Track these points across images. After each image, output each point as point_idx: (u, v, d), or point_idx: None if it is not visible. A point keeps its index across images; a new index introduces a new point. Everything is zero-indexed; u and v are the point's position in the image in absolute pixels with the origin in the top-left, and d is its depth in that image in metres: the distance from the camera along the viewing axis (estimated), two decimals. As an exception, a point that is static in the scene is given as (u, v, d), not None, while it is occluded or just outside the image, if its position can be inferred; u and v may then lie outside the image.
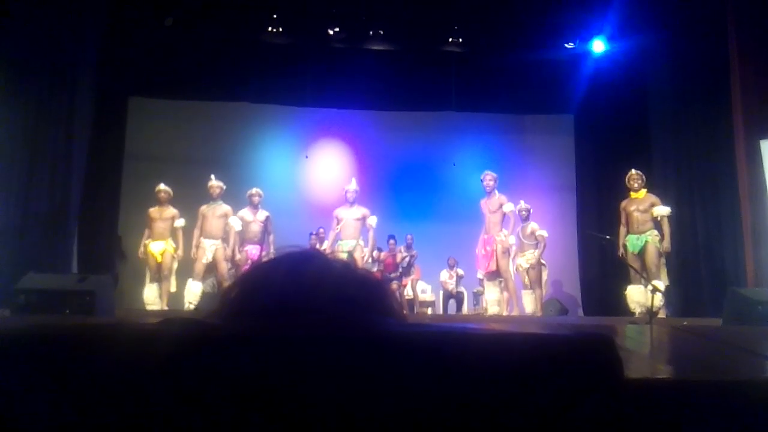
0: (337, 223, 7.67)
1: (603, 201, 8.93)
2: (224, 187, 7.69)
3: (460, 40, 8.97)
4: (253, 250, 7.57)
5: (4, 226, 6.64)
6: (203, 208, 7.62)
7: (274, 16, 8.60)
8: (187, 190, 7.97)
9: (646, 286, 6.46)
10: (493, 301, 7.47)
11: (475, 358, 0.51)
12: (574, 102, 9.44)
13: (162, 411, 0.50)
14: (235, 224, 7.54)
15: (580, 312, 9.13)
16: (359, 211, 7.67)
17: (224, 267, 7.44)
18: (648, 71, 8.51)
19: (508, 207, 7.47)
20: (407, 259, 8.71)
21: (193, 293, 7.29)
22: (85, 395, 0.50)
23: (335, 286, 0.62)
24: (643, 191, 7.14)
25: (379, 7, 8.68)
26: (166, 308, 7.34)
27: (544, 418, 0.50)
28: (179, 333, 0.53)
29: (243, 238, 7.65)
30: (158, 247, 7.48)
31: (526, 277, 7.65)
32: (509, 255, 7.49)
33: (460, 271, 8.94)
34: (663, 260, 6.99)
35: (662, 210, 7.01)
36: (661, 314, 6.42)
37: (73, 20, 7.29)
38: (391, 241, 8.68)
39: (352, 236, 7.59)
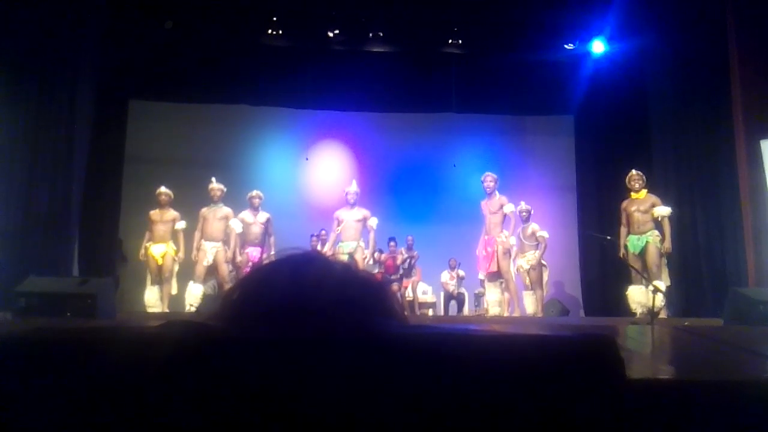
0: (338, 225, 7.68)
1: (603, 201, 8.92)
2: (225, 190, 7.70)
3: (460, 41, 8.97)
4: (253, 252, 7.57)
5: (4, 229, 6.65)
6: (204, 210, 7.62)
7: (274, 18, 8.60)
8: (188, 192, 7.97)
9: (647, 287, 6.46)
10: (494, 302, 7.47)
11: (476, 359, 0.51)
12: (574, 103, 9.44)
13: (163, 414, 0.50)
14: (236, 226, 7.54)
15: (582, 313, 9.12)
16: (360, 212, 7.67)
17: (225, 269, 7.44)
18: (648, 72, 8.51)
19: (509, 208, 7.47)
20: (408, 260, 8.71)
21: (194, 296, 7.29)
22: (87, 398, 0.50)
23: (336, 288, 0.62)
24: (644, 192, 7.14)
25: (379, 9, 8.68)
26: (167, 311, 7.34)
27: (546, 419, 0.50)
28: (180, 336, 0.53)
29: (244, 240, 7.65)
30: (159, 250, 7.48)
31: (527, 278, 7.65)
32: (510, 256, 7.49)
33: (461, 273, 8.94)
34: (664, 260, 6.98)
35: (663, 210, 7.01)
36: (663, 314, 6.42)
37: (73, 23, 7.30)
38: (392, 243, 8.68)
39: (353, 238, 7.60)
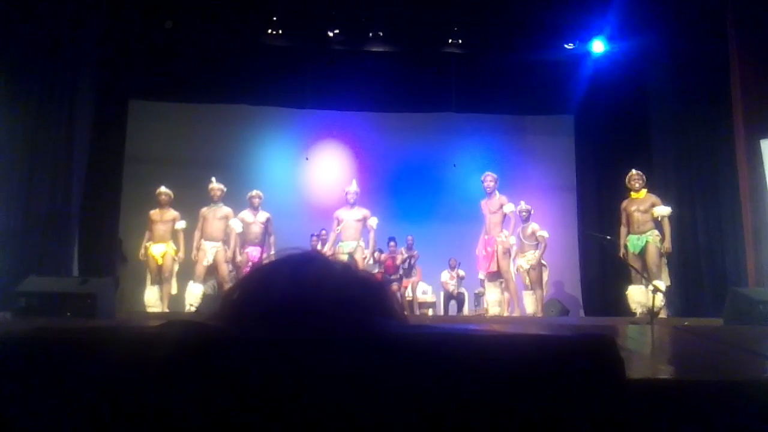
0: (338, 225, 7.68)
1: (603, 201, 8.93)
2: (225, 190, 7.70)
3: (460, 41, 8.97)
4: (253, 252, 7.58)
5: (4, 229, 6.64)
6: (204, 210, 7.63)
7: (274, 18, 8.60)
8: (188, 192, 7.97)
9: (647, 287, 6.46)
10: (493, 302, 7.47)
11: (475, 359, 0.51)
12: (574, 102, 9.44)
13: (164, 414, 0.50)
14: (236, 226, 7.55)
15: (581, 312, 9.12)
16: (360, 212, 7.67)
17: (225, 269, 7.44)
18: (648, 71, 8.51)
19: (509, 208, 7.48)
20: (408, 260, 8.71)
21: (193, 295, 7.29)
22: (87, 398, 0.50)
23: (336, 288, 0.62)
24: (644, 191, 7.14)
25: (379, 8, 8.68)
26: (167, 311, 7.34)
27: (545, 419, 0.50)
28: (180, 336, 0.53)
29: (244, 240, 7.66)
30: (159, 250, 7.48)
31: (527, 277, 7.65)
32: (510, 256, 7.49)
33: (461, 272, 8.94)
34: (664, 260, 6.98)
35: (663, 210, 7.01)
36: (662, 314, 6.43)
37: (73, 23, 7.30)
38: (392, 243, 8.68)
39: (353, 237, 7.60)
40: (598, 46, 8.83)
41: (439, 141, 9.83)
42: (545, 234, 7.68)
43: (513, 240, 7.55)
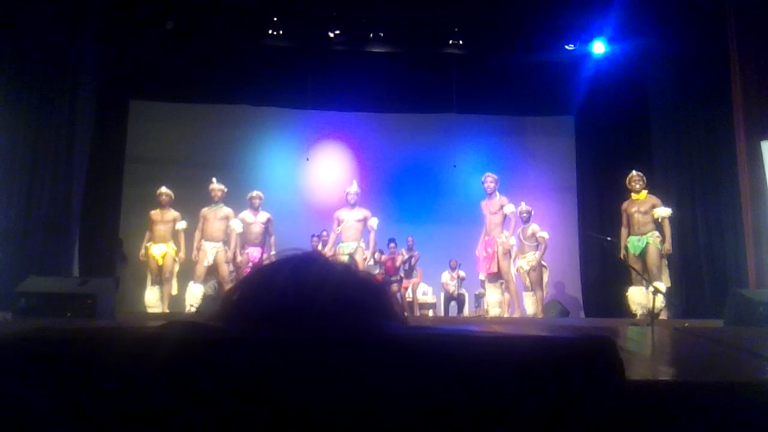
0: (338, 225, 7.68)
1: (604, 202, 8.93)
2: (225, 190, 7.70)
3: (461, 42, 8.97)
4: (254, 252, 7.58)
5: (5, 229, 6.65)
6: (204, 210, 7.63)
7: (275, 19, 8.60)
8: (189, 192, 7.98)
9: (647, 288, 6.45)
10: (494, 303, 7.47)
11: (475, 360, 0.51)
12: (574, 103, 9.45)
13: (164, 415, 0.50)
14: (236, 226, 7.55)
15: (582, 314, 9.12)
16: (360, 212, 7.68)
17: (225, 269, 7.44)
18: (648, 72, 8.51)
19: (509, 208, 7.47)
20: (408, 261, 8.71)
21: (194, 296, 7.29)
22: (87, 399, 0.50)
23: (336, 288, 0.62)
24: (644, 192, 7.14)
25: (380, 9, 8.68)
26: (167, 311, 7.34)
27: (544, 421, 0.50)
28: (180, 336, 0.53)
29: (244, 241, 7.66)
30: (159, 250, 7.48)
31: (527, 278, 7.65)
32: (510, 256, 7.49)
33: (462, 273, 8.94)
34: (664, 261, 6.98)
35: (663, 211, 7.01)
36: (663, 316, 6.43)
37: (74, 24, 7.31)
38: (392, 245, 8.68)
39: (354, 238, 7.60)
40: (598, 47, 8.84)
41: (439, 142, 9.83)
42: (545, 235, 7.68)
43: (513, 241, 7.55)
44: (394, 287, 8.18)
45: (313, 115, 9.72)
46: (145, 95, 9.30)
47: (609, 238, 7.01)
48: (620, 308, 7.44)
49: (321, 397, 0.50)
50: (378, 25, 8.85)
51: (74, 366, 0.52)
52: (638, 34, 8.28)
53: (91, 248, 8.16)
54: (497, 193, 7.56)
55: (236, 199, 7.79)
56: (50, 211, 7.08)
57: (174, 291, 7.52)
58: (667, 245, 6.91)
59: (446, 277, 9.07)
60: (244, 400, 0.50)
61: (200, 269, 7.41)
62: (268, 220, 7.77)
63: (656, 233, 6.97)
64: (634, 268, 6.71)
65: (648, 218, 7.02)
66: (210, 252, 7.44)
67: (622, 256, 7.12)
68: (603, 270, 9.00)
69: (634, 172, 7.21)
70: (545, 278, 7.74)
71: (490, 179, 7.58)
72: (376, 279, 0.70)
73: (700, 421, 1.05)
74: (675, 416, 1.05)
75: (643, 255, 6.96)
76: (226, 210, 7.62)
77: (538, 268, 7.60)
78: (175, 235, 7.62)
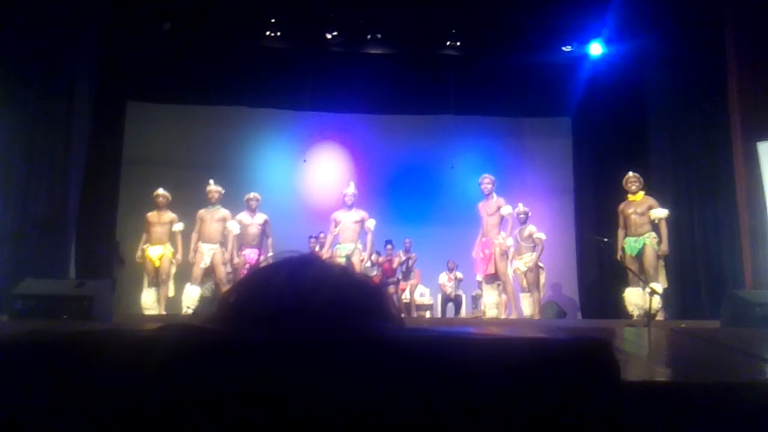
0: (335, 227, 7.68)
1: (601, 204, 8.94)
2: (223, 192, 7.71)
3: (458, 43, 8.98)
4: (251, 254, 7.57)
5: (1, 231, 6.64)
6: (201, 212, 7.62)
7: (272, 20, 8.61)
8: (186, 194, 7.97)
9: (644, 289, 6.46)
10: (491, 304, 7.47)
11: (472, 362, 0.51)
12: (571, 105, 9.47)
13: (160, 418, 0.50)
14: (234, 228, 7.54)
15: (579, 315, 9.13)
16: (357, 214, 7.67)
17: (222, 271, 7.43)
18: (646, 74, 8.53)
19: (506, 210, 7.48)
20: (406, 262, 8.71)
21: (191, 298, 7.29)
22: (83, 402, 0.50)
23: (333, 290, 0.62)
24: (641, 194, 7.15)
25: (377, 11, 8.69)
26: (164, 313, 7.33)
27: (541, 423, 0.50)
28: (177, 339, 0.53)
29: (241, 242, 7.65)
30: (156, 252, 7.47)
31: (524, 280, 7.66)
32: (507, 258, 7.49)
33: (459, 275, 8.94)
34: (661, 263, 6.99)
35: (660, 212, 7.02)
36: (660, 317, 6.43)
37: (71, 25, 7.30)
38: (389, 246, 8.68)
39: (351, 239, 7.60)
40: (595, 49, 8.85)
41: (436, 143, 9.83)
42: (542, 236, 7.69)
43: (510, 242, 7.55)
44: (391, 289, 8.18)
45: (311, 116, 9.72)
46: (143, 96, 9.29)
47: (606, 240, 7.02)
48: (617, 309, 7.45)
49: (318, 400, 0.50)
50: (375, 27, 8.86)
51: (70, 368, 0.52)
52: (635, 36, 8.30)
53: (87, 250, 8.14)
54: (494, 194, 7.56)
55: (233, 201, 7.78)
56: (47, 213, 7.07)
57: (171, 293, 7.51)
58: (664, 246, 6.92)
59: (443, 278, 9.07)
60: (241, 402, 0.50)
61: (197, 271, 7.40)
62: (266, 221, 7.77)
63: (653, 234, 6.98)
64: (630, 269, 6.72)
65: (645, 219, 7.04)
66: (207, 254, 7.44)
67: (619, 257, 7.13)
68: (600, 271, 9.01)
69: (630, 174, 7.22)
70: (542, 279, 7.74)
71: (487, 180, 7.59)
72: (373, 281, 0.70)
73: (697, 421, 1.06)
74: (672, 417, 1.05)
75: (639, 256, 6.98)
76: (223, 212, 7.62)
77: (535, 269, 7.60)
78: (172, 236, 7.61)
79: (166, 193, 7.66)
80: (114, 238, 8.82)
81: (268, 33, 8.67)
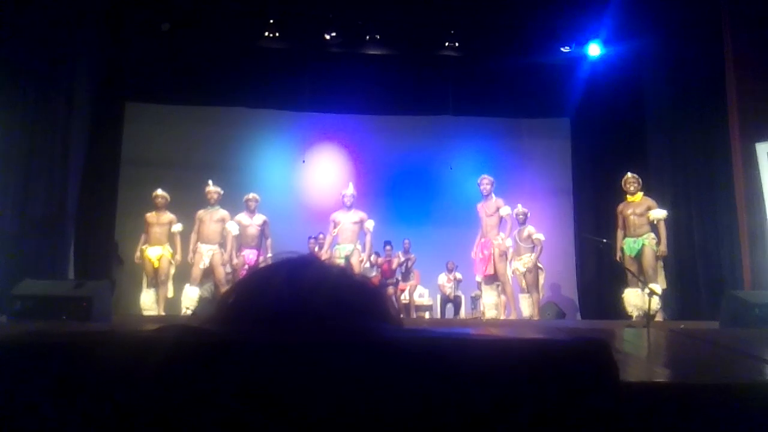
0: (334, 227, 7.68)
1: (600, 204, 8.94)
2: (222, 193, 7.70)
3: (457, 44, 8.98)
4: (250, 255, 7.57)
5: (0, 231, 6.62)
6: (200, 212, 7.62)
7: (271, 21, 8.60)
8: (185, 195, 7.96)
9: (643, 290, 6.47)
10: (490, 305, 7.47)
11: (471, 363, 0.51)
12: (570, 105, 9.47)
13: (159, 419, 0.50)
14: (233, 229, 7.54)
15: (578, 315, 9.13)
16: (356, 215, 7.67)
17: (221, 272, 7.43)
18: (644, 75, 8.53)
19: (505, 210, 7.48)
20: (405, 263, 8.70)
21: (190, 298, 7.28)
22: (82, 403, 0.50)
23: (332, 291, 0.62)
24: (640, 194, 7.16)
25: (376, 11, 8.69)
26: (163, 314, 7.33)
27: (540, 423, 0.50)
28: (176, 339, 0.53)
29: (240, 243, 7.65)
30: (155, 253, 7.47)
31: (523, 280, 7.66)
32: (506, 258, 7.49)
33: (459, 275, 8.94)
34: (660, 263, 7.00)
35: (659, 213, 7.03)
36: (659, 317, 6.44)
37: (70, 26, 7.29)
38: (388, 247, 8.68)
39: (350, 240, 7.60)
40: (594, 50, 8.85)
41: (435, 144, 9.83)
42: (541, 237, 7.69)
43: (509, 243, 7.55)
44: (391, 290, 8.18)
45: (310, 117, 9.71)
46: (142, 97, 9.27)
47: (605, 240, 7.03)
48: (616, 310, 7.45)
49: (317, 401, 0.50)
50: (374, 28, 8.86)
51: (69, 369, 0.52)
52: (634, 37, 8.31)
53: (86, 251, 8.13)
54: (493, 195, 7.57)
55: (232, 202, 7.78)
56: (46, 214, 7.06)
57: (170, 294, 7.51)
58: (663, 247, 6.93)
59: (443, 279, 9.07)
60: (240, 403, 0.50)
61: (196, 272, 7.40)
62: (265, 222, 7.76)
63: (652, 235, 6.98)
64: (629, 270, 6.73)
65: (643, 220, 7.04)
66: (206, 254, 7.43)
67: (617, 258, 7.13)
68: (599, 272, 9.01)
69: (629, 174, 7.23)
70: (541, 280, 7.75)
71: (486, 181, 7.59)
72: (372, 282, 0.70)
73: (696, 422, 1.06)
74: (671, 418, 1.05)
75: (638, 257, 6.98)
76: (222, 212, 7.62)
77: (534, 270, 7.61)
78: (171, 237, 7.61)
79: (165, 193, 7.66)
80: (113, 239, 8.81)
81: (267, 34, 8.66)
